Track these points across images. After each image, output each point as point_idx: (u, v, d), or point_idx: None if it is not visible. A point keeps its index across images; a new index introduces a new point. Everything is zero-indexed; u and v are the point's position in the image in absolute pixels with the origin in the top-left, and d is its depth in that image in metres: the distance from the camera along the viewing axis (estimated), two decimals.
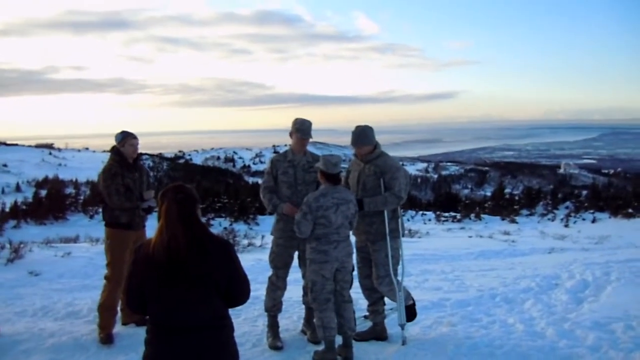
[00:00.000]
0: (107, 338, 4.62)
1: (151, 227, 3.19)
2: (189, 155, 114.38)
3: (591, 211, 19.98)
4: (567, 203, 22.19)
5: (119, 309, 4.88)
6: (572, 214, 19.88)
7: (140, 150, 5.02)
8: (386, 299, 4.72)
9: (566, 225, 17.68)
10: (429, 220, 20.64)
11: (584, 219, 18.92)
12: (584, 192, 26.18)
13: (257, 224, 16.64)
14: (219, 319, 2.52)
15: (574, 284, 6.44)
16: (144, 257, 2.47)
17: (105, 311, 4.70)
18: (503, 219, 19.96)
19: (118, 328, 4.88)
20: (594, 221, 18.35)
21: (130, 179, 4.77)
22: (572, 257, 9.00)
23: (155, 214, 2.91)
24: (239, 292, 2.58)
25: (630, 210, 18.49)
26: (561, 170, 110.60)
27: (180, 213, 2.47)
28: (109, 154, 4.90)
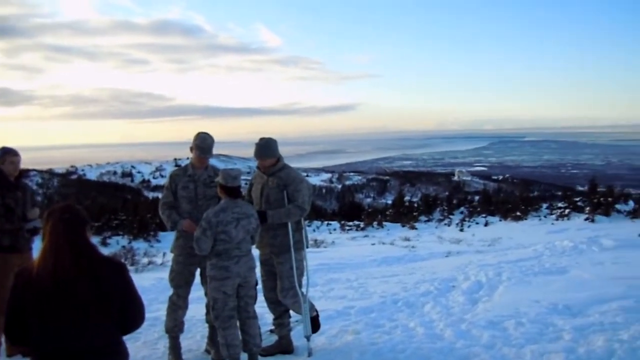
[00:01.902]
0: None
1: (38, 249, 2.96)
2: (83, 170, 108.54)
3: (483, 215, 21.20)
4: (462, 208, 23.41)
5: (2, 339, 4.48)
6: (467, 219, 20.98)
7: (27, 166, 4.67)
8: (291, 312, 4.70)
9: (461, 230, 18.60)
10: (334, 229, 20.93)
11: (477, 223, 20.02)
12: (477, 198, 27.72)
13: (158, 241, 16.02)
14: (111, 345, 2.38)
15: (470, 285, 6.78)
16: (26, 282, 2.28)
17: None
18: (403, 226, 20.67)
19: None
20: (486, 225, 19.47)
21: (11, 199, 4.40)
22: (468, 259, 9.48)
23: (41, 236, 2.71)
24: (133, 316, 2.45)
25: (518, 213, 19.83)
26: (455, 178, 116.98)
27: (67, 235, 2.32)
28: None
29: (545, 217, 19.03)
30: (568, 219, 17.57)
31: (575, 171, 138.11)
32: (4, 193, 4.38)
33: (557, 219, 18.01)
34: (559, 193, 28.81)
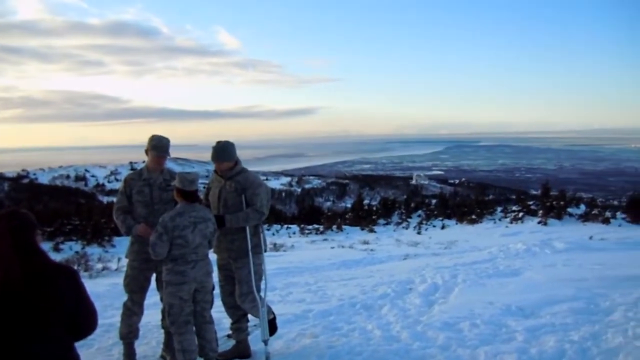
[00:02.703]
0: None
1: None
2: (34, 174, 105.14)
3: (440, 218, 21.60)
4: (419, 212, 23.78)
5: None
6: (424, 222, 21.32)
7: None
8: (249, 316, 4.68)
9: (419, 233, 18.89)
10: (294, 233, 20.92)
11: (434, 226, 20.37)
12: (434, 201, 28.20)
13: (113, 246, 15.67)
14: (63, 351, 2.32)
15: (426, 287, 6.88)
16: None
17: None
18: (362, 229, 20.84)
19: None
20: (443, 227, 19.84)
21: None
22: (425, 262, 9.62)
23: None
24: (86, 323, 2.41)
25: (473, 217, 20.27)
26: (413, 182, 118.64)
27: (15, 242, 2.25)
28: None
29: (499, 220, 19.52)
30: (522, 222, 18.07)
31: (529, 175, 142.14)
32: None
33: (511, 222, 18.49)
34: (513, 197, 29.62)
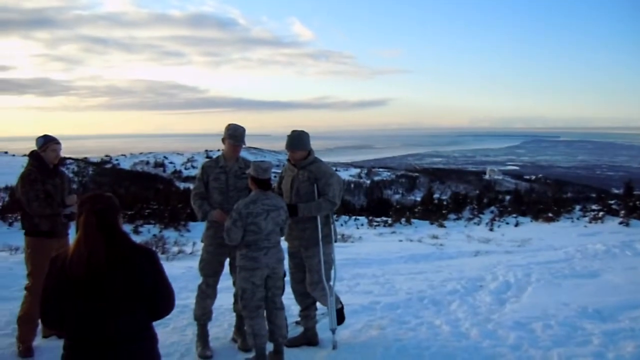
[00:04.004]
0: (26, 351, 4.38)
1: (74, 234, 3.06)
2: (117, 159, 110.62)
3: (514, 215, 20.90)
4: (492, 208, 23.11)
5: (39, 321, 4.64)
6: (497, 218, 20.72)
7: (64, 155, 4.82)
8: (317, 304, 4.75)
9: (491, 229, 18.39)
10: (362, 225, 20.91)
11: (507, 223, 19.75)
12: (508, 197, 27.32)
13: (188, 230, 16.28)
14: (141, 330, 2.44)
15: (497, 285, 6.71)
16: (60, 270, 2.34)
17: (25, 323, 4.46)
18: (432, 224, 20.52)
19: (38, 341, 4.63)
20: (516, 225, 19.20)
21: (50, 185, 4.56)
22: (496, 259, 9.38)
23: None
24: (164, 303, 2.51)
25: (550, 215, 19.49)
26: (486, 176, 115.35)
27: (100, 225, 2.37)
28: (28, 158, 4.67)
29: (578, 219, 18.68)
30: (602, 222, 17.22)
31: (610, 173, 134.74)
32: (44, 179, 4.54)
33: (590, 222, 17.66)
34: (593, 195, 28.22)
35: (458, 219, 21.84)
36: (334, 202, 4.47)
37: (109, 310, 2.33)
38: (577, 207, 20.42)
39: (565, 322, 5.06)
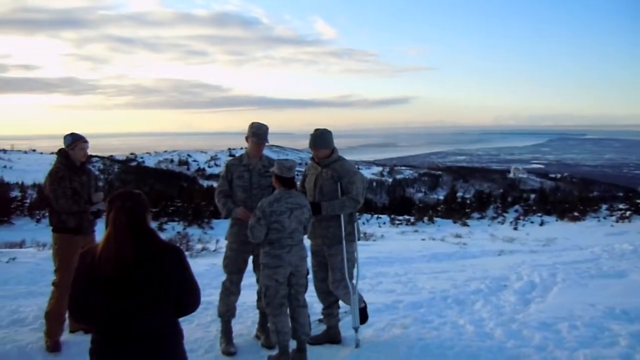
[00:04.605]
0: (54, 346, 4.47)
1: (101, 231, 3.11)
2: (142, 157, 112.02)
3: (539, 214, 20.63)
4: (517, 207, 22.85)
5: (67, 316, 4.73)
6: (521, 217, 20.47)
7: (90, 153, 4.90)
8: (339, 302, 4.75)
9: (515, 228, 18.19)
10: (384, 223, 20.86)
11: (532, 222, 19.51)
12: (533, 196, 26.98)
13: (211, 228, 16.44)
14: (167, 327, 2.47)
15: (522, 285, 6.63)
16: (89, 266, 2.38)
17: (53, 318, 4.54)
18: (455, 222, 20.38)
19: (65, 336, 4.72)
20: (541, 224, 18.96)
21: (77, 182, 4.64)
22: (521, 259, 9.26)
23: (104, 218, 2.83)
24: (190, 300, 2.54)
25: (576, 214, 19.20)
26: (511, 175, 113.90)
27: (129, 222, 2.40)
28: (56, 156, 4.76)
29: (604, 218, 18.37)
30: (629, 222, 16.92)
31: (638, 172, 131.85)
32: (72, 177, 4.62)
33: (617, 221, 17.36)
34: (620, 194, 27.66)
35: (482, 217, 21.64)
36: (358, 201, 4.47)
37: (136, 307, 2.36)
38: (604, 207, 20.08)
39: (592, 323, 4.98)
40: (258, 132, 4.50)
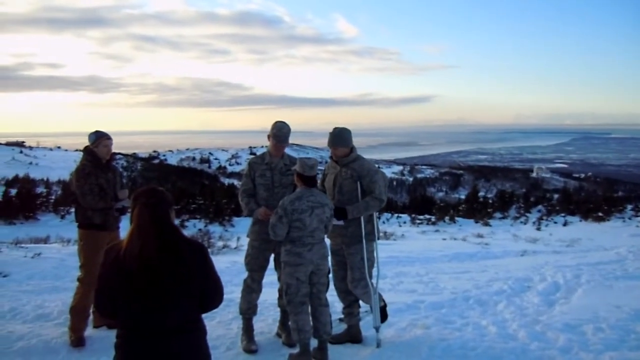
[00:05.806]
0: (78, 341, 4.54)
1: (125, 228, 3.14)
2: (164, 155, 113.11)
3: (562, 214, 20.32)
4: (539, 206, 22.53)
5: (91, 311, 4.80)
6: (544, 217, 20.18)
7: (114, 150, 4.97)
8: (360, 302, 4.74)
9: (538, 229, 17.94)
10: (404, 222, 20.73)
11: (555, 222, 19.22)
12: (556, 196, 26.60)
13: (232, 225, 16.52)
14: (191, 322, 2.49)
15: (546, 286, 6.54)
16: (114, 261, 2.42)
17: (77, 313, 4.62)
18: (477, 222, 20.16)
19: (89, 331, 4.80)
20: (565, 224, 18.66)
21: (103, 179, 4.71)
22: (544, 259, 9.14)
23: (129, 215, 2.86)
24: (213, 296, 2.56)
25: (600, 214, 18.86)
26: (533, 174, 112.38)
27: (153, 218, 2.43)
28: (82, 153, 4.83)
29: (629, 218, 18.02)
30: None
31: None
32: (98, 174, 4.69)
33: None
34: None
35: (504, 217, 21.38)
36: (382, 199, 4.45)
37: (160, 302, 2.39)
38: (629, 207, 19.71)
39: (618, 325, 4.90)
40: (278, 134, 4.51)
